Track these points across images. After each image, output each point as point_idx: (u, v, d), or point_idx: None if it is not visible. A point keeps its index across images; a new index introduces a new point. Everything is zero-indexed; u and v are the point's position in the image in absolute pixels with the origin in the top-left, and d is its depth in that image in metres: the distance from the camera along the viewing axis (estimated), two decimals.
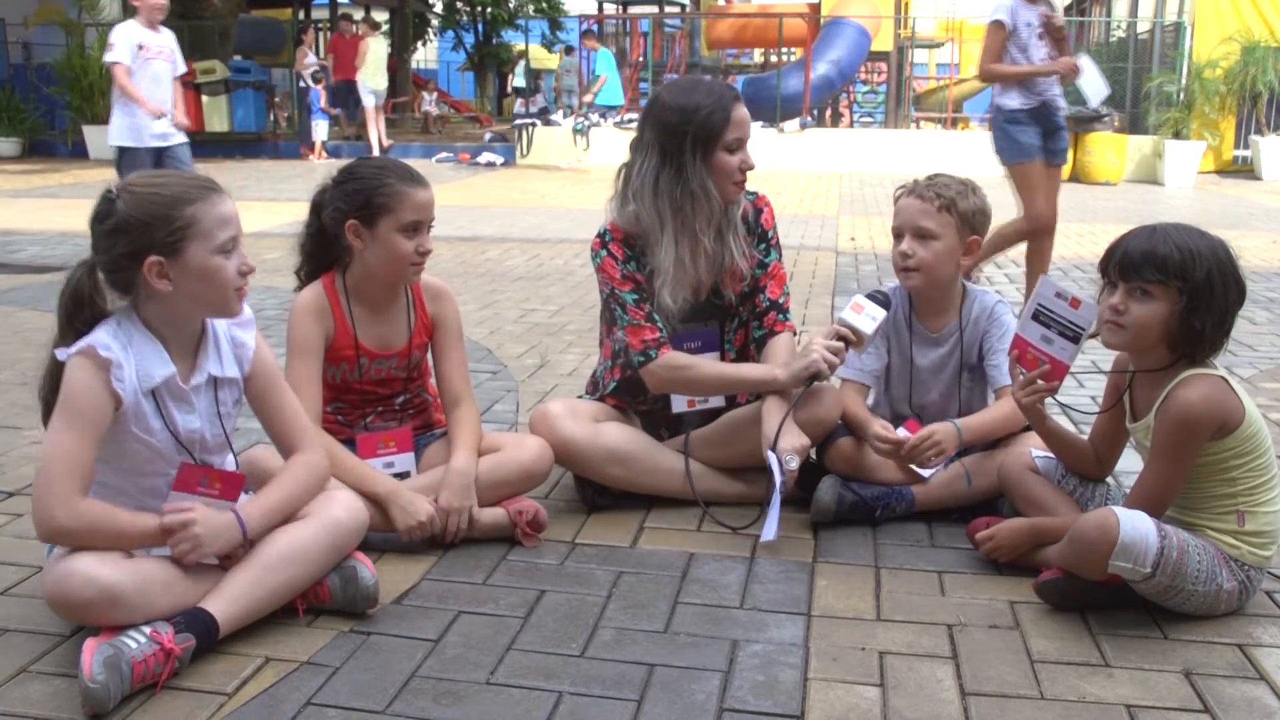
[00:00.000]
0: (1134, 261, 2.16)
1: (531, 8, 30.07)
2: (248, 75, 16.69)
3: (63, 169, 14.22)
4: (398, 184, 2.52)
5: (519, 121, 16.41)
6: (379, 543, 2.49)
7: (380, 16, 22.04)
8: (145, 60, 6.85)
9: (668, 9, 24.06)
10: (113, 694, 1.83)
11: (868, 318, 2.64)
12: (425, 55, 34.40)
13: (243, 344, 2.21)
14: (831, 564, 2.50)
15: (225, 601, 2.04)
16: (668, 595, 2.33)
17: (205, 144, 16.61)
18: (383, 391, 2.70)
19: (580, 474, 2.78)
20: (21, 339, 4.67)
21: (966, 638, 2.15)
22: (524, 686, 1.95)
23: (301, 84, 16.33)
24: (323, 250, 2.63)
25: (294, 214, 9.15)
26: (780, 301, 2.84)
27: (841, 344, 2.64)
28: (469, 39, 30.64)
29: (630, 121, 16.09)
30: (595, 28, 18.67)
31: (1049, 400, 2.39)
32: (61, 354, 2.02)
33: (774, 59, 20.41)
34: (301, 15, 22.32)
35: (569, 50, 19.05)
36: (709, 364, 2.76)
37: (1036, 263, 5.47)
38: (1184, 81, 14.04)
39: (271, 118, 17.69)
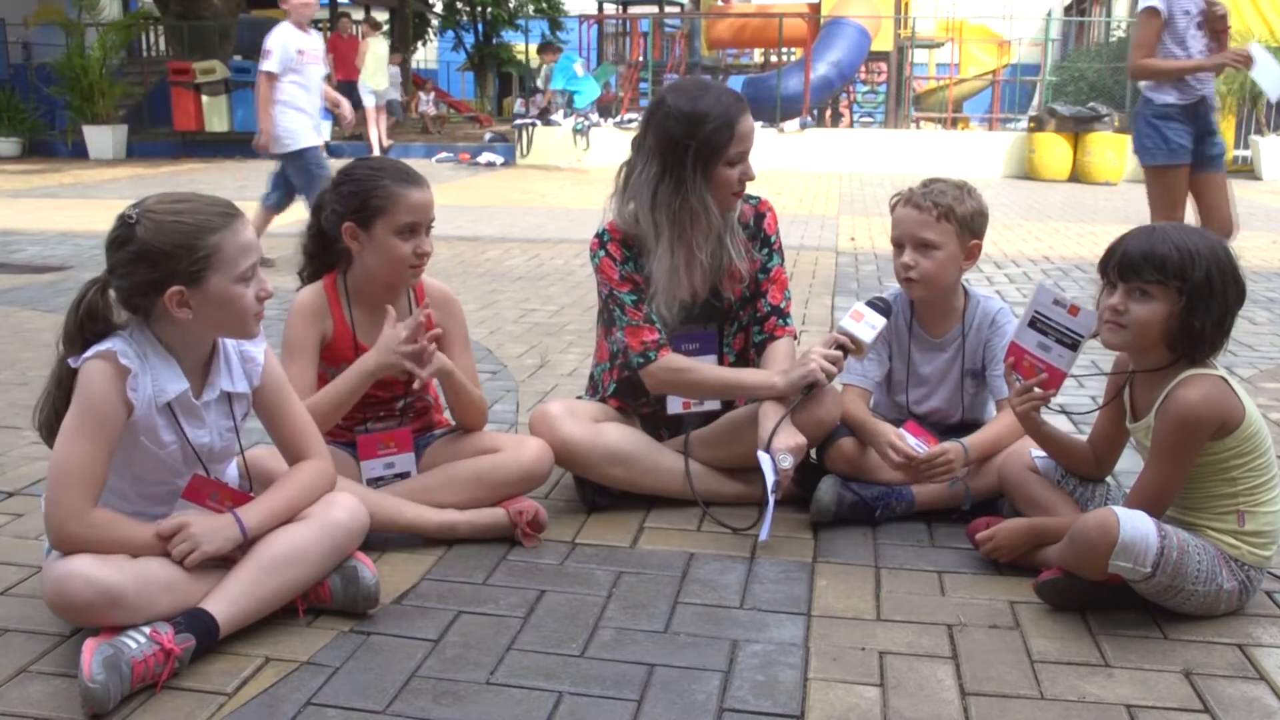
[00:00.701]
0: (1133, 262, 2.16)
1: (531, 8, 30.07)
2: (248, 75, 16.67)
3: (63, 169, 14.22)
4: (393, 185, 2.50)
5: (519, 122, 16.41)
6: (380, 542, 2.49)
7: (380, 17, 22.05)
8: (303, 65, 6.70)
9: (668, 9, 24.04)
10: (113, 694, 1.83)
11: (867, 326, 2.64)
12: (425, 55, 34.38)
13: (252, 358, 2.21)
14: (831, 564, 2.50)
15: (225, 602, 2.03)
16: (668, 595, 2.33)
17: (205, 144, 16.66)
18: (382, 394, 2.69)
19: (580, 474, 2.78)
20: (21, 339, 4.67)
21: (966, 638, 2.15)
22: (524, 686, 1.95)
23: None
24: (324, 251, 2.63)
25: (294, 214, 9.16)
26: (781, 307, 2.84)
27: (840, 353, 2.64)
28: (469, 39, 30.64)
29: (630, 121, 16.09)
30: (553, 37, 18.70)
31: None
32: (74, 361, 2.01)
33: (774, 59, 20.41)
34: None
35: (542, 50, 19.10)
36: (708, 368, 2.76)
37: None
38: None
39: None
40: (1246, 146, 14.70)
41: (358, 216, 2.51)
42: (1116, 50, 17.67)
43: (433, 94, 20.75)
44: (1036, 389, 2.36)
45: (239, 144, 16.59)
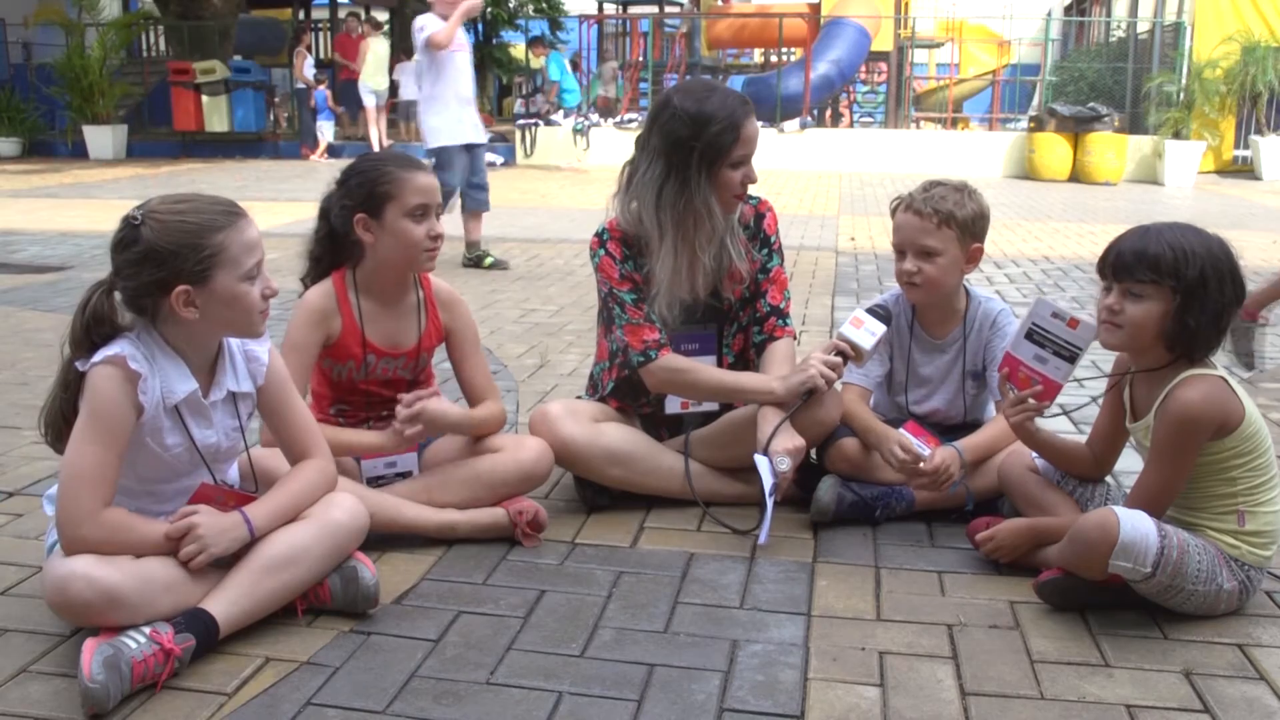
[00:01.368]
0: (1126, 262, 2.17)
1: (531, 8, 30.07)
2: (248, 75, 16.69)
3: (63, 169, 14.22)
4: (398, 170, 2.52)
5: (521, 122, 16.41)
6: (380, 542, 2.49)
7: (380, 17, 22.04)
8: (451, 53, 6.57)
9: (668, 9, 24.04)
10: (112, 694, 1.83)
11: (867, 333, 2.64)
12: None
13: (257, 358, 2.21)
14: (831, 564, 2.50)
15: (226, 602, 2.04)
16: (668, 595, 2.33)
17: (205, 144, 16.67)
18: (387, 393, 2.69)
19: (580, 474, 2.78)
20: (21, 339, 4.67)
21: (966, 638, 2.15)
22: (524, 686, 1.95)
23: (299, 85, 16.32)
24: (333, 255, 2.62)
25: (294, 214, 9.18)
26: (781, 307, 2.84)
27: (840, 359, 2.64)
28: (469, 39, 30.62)
29: (630, 121, 16.09)
30: (545, 34, 18.71)
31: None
32: (83, 364, 2.01)
33: (774, 59, 20.40)
34: (301, 15, 22.33)
35: (532, 44, 19.10)
36: (708, 369, 2.75)
37: None
38: (1184, 81, 14.05)
39: (271, 118, 17.69)
40: (1246, 146, 14.70)
41: (367, 206, 2.52)
42: (1116, 50, 17.68)
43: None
44: (1030, 400, 2.36)
45: (239, 144, 16.64)
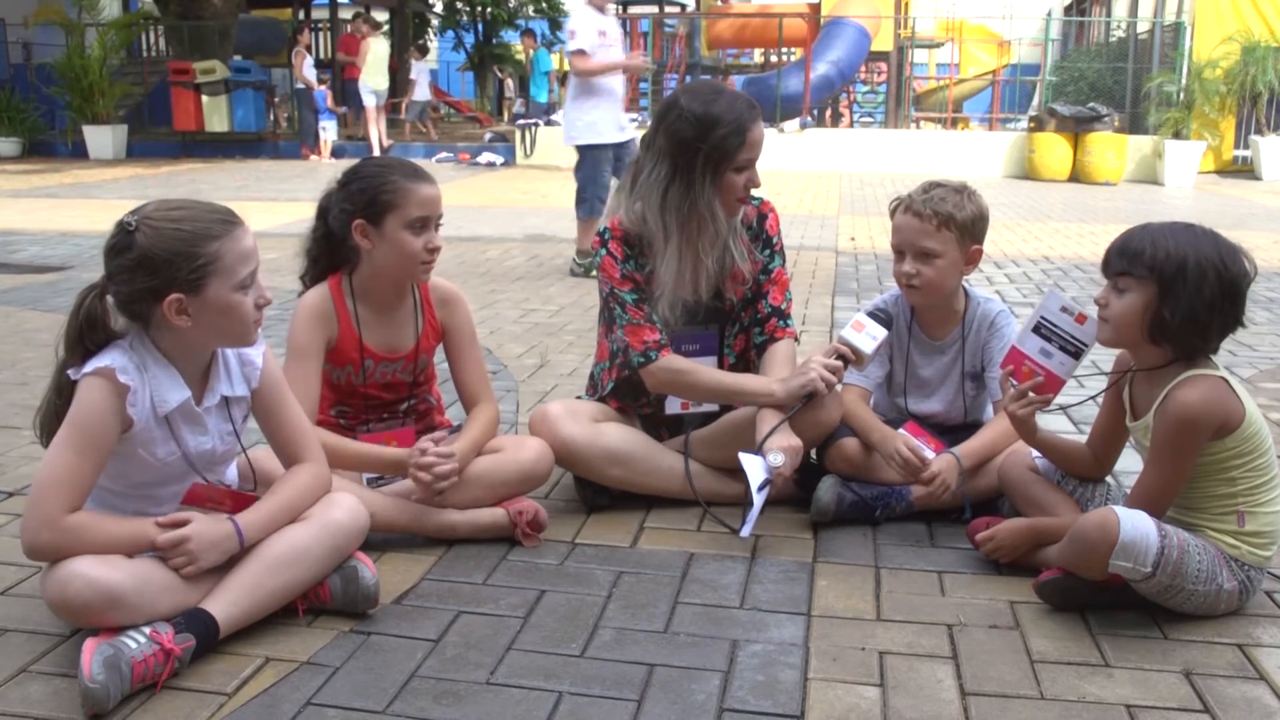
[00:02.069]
0: (1111, 256, 2.22)
1: (531, 8, 30.08)
2: (248, 75, 16.70)
3: (63, 169, 14.22)
4: (402, 180, 2.49)
5: (521, 122, 16.41)
6: (380, 542, 2.49)
7: (380, 17, 22.04)
8: (605, 47, 6.26)
9: (668, 9, 24.04)
10: (112, 694, 1.83)
11: (868, 336, 2.64)
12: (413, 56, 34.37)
13: (250, 361, 2.20)
14: (831, 564, 2.50)
15: (226, 602, 2.03)
16: (668, 595, 2.33)
17: (205, 144, 16.67)
18: (387, 397, 2.69)
19: (580, 474, 2.78)
20: (21, 339, 4.67)
21: (966, 638, 2.15)
22: (524, 686, 1.95)
23: (299, 85, 16.33)
24: (329, 255, 2.60)
25: (294, 214, 9.18)
26: (782, 308, 2.83)
27: (840, 363, 2.64)
28: (469, 39, 30.64)
29: (631, 121, 16.07)
30: (531, 26, 18.69)
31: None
32: (74, 373, 2.00)
33: (774, 59, 20.40)
34: (301, 15, 22.33)
35: (525, 35, 19.11)
36: (708, 371, 2.75)
37: None
38: (1184, 81, 14.05)
39: (271, 118, 17.69)
40: (1246, 146, 14.70)
41: (367, 213, 2.49)
42: (1116, 50, 17.68)
43: (408, 95, 20.66)
44: (1031, 394, 2.36)
45: (239, 144, 16.65)
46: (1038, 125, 14.45)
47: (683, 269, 2.67)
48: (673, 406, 2.83)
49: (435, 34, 31.86)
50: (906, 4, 19.35)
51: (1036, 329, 2.38)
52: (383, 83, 15.83)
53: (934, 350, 2.85)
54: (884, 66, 19.29)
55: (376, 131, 15.66)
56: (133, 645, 1.89)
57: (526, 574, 2.42)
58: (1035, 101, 19.16)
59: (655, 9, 23.32)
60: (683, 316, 2.73)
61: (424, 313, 2.67)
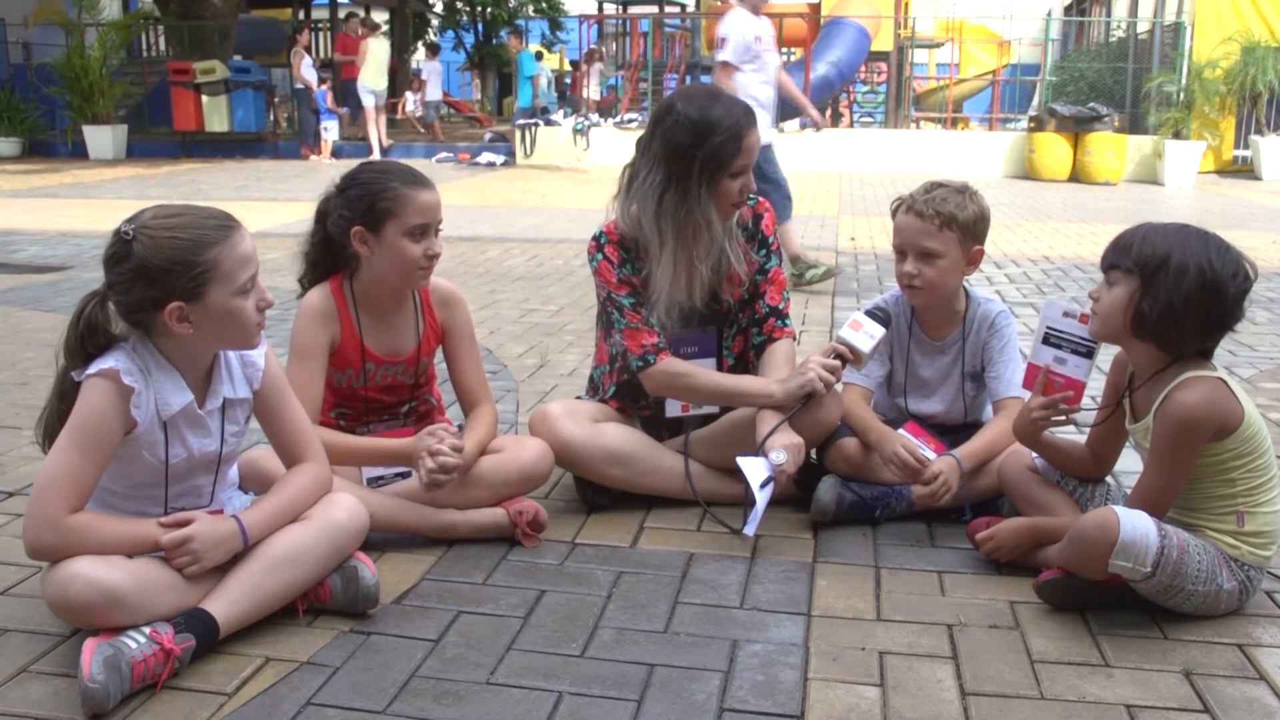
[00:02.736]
0: (1106, 250, 2.25)
1: (531, 8, 30.09)
2: (248, 75, 16.70)
3: (63, 169, 14.22)
4: (401, 187, 2.48)
5: (521, 122, 16.41)
6: (380, 542, 2.49)
7: (380, 17, 22.04)
8: (761, 52, 5.92)
9: (668, 9, 24.04)
10: (112, 694, 1.83)
11: (866, 335, 2.64)
12: (425, 55, 34.41)
13: (252, 362, 2.20)
14: (831, 564, 2.50)
15: (226, 602, 2.04)
16: (668, 595, 2.33)
17: (205, 144, 16.67)
18: (388, 399, 2.68)
19: (580, 474, 2.78)
20: (21, 339, 4.67)
21: (966, 638, 2.15)
22: (524, 686, 1.95)
23: (298, 85, 16.33)
24: (328, 258, 2.60)
25: (294, 214, 9.18)
26: (780, 308, 2.83)
27: (839, 362, 2.64)
28: (469, 39, 30.65)
29: (630, 121, 16.08)
30: (520, 24, 18.65)
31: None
32: (78, 374, 2.00)
33: None
34: (301, 15, 22.33)
35: (538, 55, 19.12)
36: (707, 373, 2.75)
37: None
38: (1184, 81, 14.05)
39: (271, 118, 17.70)
40: (1246, 146, 14.70)
41: (366, 220, 2.48)
42: (1116, 50, 17.67)
43: (420, 94, 20.69)
44: (1062, 404, 2.36)
45: (239, 144, 16.65)
46: (1038, 125, 14.45)
47: (677, 275, 2.66)
48: (673, 409, 2.83)
49: (435, 34, 31.87)
50: (906, 4, 19.34)
51: (1046, 340, 2.39)
52: (382, 83, 15.83)
53: (934, 350, 2.85)
54: (884, 66, 19.28)
55: (376, 131, 15.66)
56: (133, 645, 1.89)
57: (526, 574, 2.42)
58: (1035, 101, 19.16)
59: (655, 9, 23.32)
60: (679, 320, 2.73)
61: (424, 314, 2.67)
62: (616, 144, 14.97)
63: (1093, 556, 2.12)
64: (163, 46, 18.98)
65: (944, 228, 2.67)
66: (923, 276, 2.70)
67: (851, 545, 2.60)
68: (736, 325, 2.84)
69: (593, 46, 19.42)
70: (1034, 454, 2.56)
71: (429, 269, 2.55)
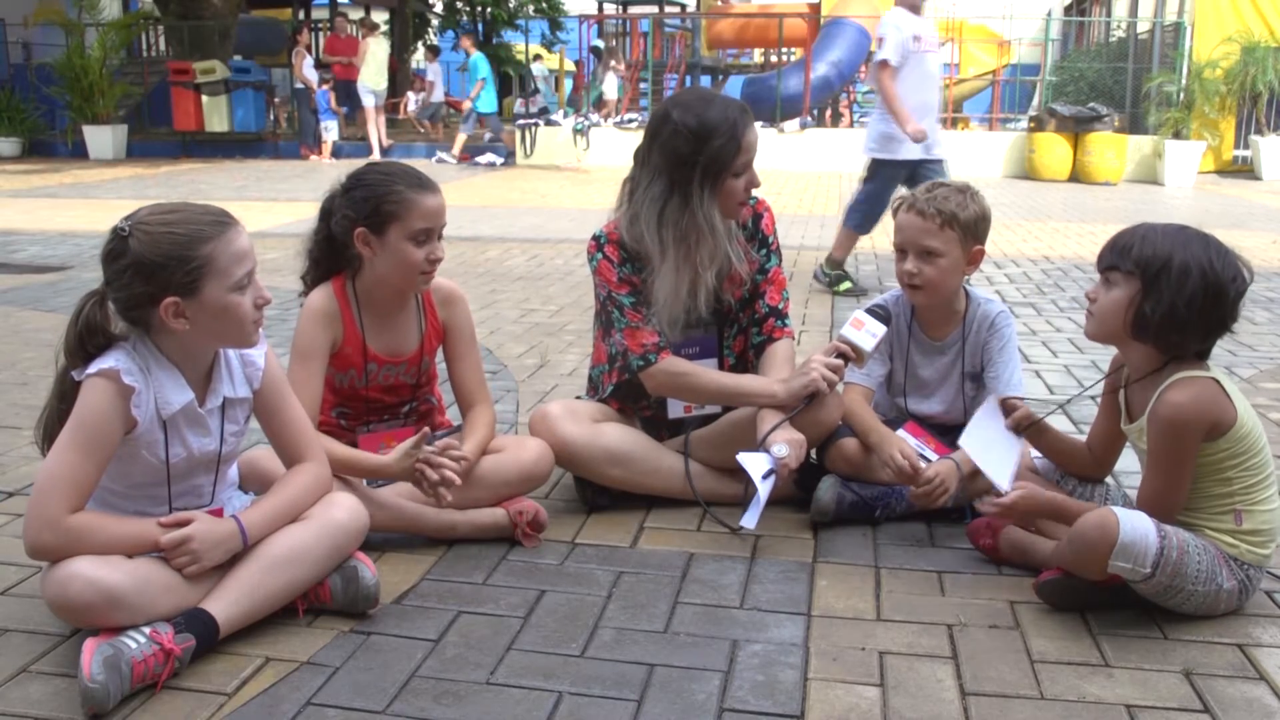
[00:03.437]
0: (1103, 251, 2.24)
1: (531, 8, 30.09)
2: (248, 75, 16.70)
3: (63, 169, 14.22)
4: (406, 191, 2.47)
5: (521, 122, 16.42)
6: (380, 542, 2.49)
7: (380, 17, 22.05)
8: (919, 54, 5.64)
9: (668, 9, 24.04)
10: (113, 694, 1.83)
11: (868, 334, 2.64)
12: (425, 55, 34.41)
13: (252, 362, 2.20)
14: (831, 564, 2.50)
15: (226, 602, 2.04)
16: (668, 595, 2.33)
17: (205, 144, 16.67)
18: (389, 399, 2.68)
19: (580, 475, 2.78)
20: (21, 339, 4.67)
21: (966, 638, 2.15)
22: (524, 686, 1.95)
23: (298, 85, 16.33)
24: (331, 257, 2.60)
25: (294, 214, 9.18)
26: (780, 308, 2.83)
27: (841, 361, 2.64)
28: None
29: (630, 121, 16.08)
30: (469, 27, 18.58)
31: (1046, 402, 2.40)
32: (78, 373, 2.00)
33: (774, 59, 20.40)
34: (301, 15, 22.34)
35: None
36: (709, 373, 2.75)
37: None
38: (1184, 81, 14.05)
39: (271, 118, 17.70)
40: (1246, 146, 14.70)
41: (370, 222, 2.47)
42: (1116, 50, 17.67)
43: (422, 94, 20.67)
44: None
45: (239, 144, 16.65)
46: (1038, 125, 14.45)
47: (680, 285, 2.64)
48: (675, 410, 2.82)
49: (435, 34, 31.88)
50: None
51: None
52: (382, 83, 15.85)
53: (934, 350, 2.85)
54: None
55: (375, 130, 15.66)
56: (133, 645, 1.89)
57: (526, 574, 2.42)
58: (1035, 101, 19.16)
59: (655, 9, 23.32)
60: (681, 329, 2.72)
61: (426, 314, 2.67)
62: (616, 144, 14.98)
63: (1092, 557, 2.12)
64: (163, 46, 18.99)
65: (945, 226, 2.67)
66: (923, 275, 2.70)
67: (851, 545, 2.60)
68: (737, 325, 2.84)
69: (610, 46, 19.38)
70: (1034, 454, 2.56)
71: (431, 273, 2.54)
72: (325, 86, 16.09)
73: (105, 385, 1.97)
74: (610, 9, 24.52)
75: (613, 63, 18.46)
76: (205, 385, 2.13)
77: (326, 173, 2.50)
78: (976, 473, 2.67)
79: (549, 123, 16.17)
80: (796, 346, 2.87)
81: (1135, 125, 14.96)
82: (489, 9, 29.12)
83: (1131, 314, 2.16)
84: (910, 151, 5.70)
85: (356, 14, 21.74)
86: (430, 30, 30.59)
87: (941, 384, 2.85)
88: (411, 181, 2.50)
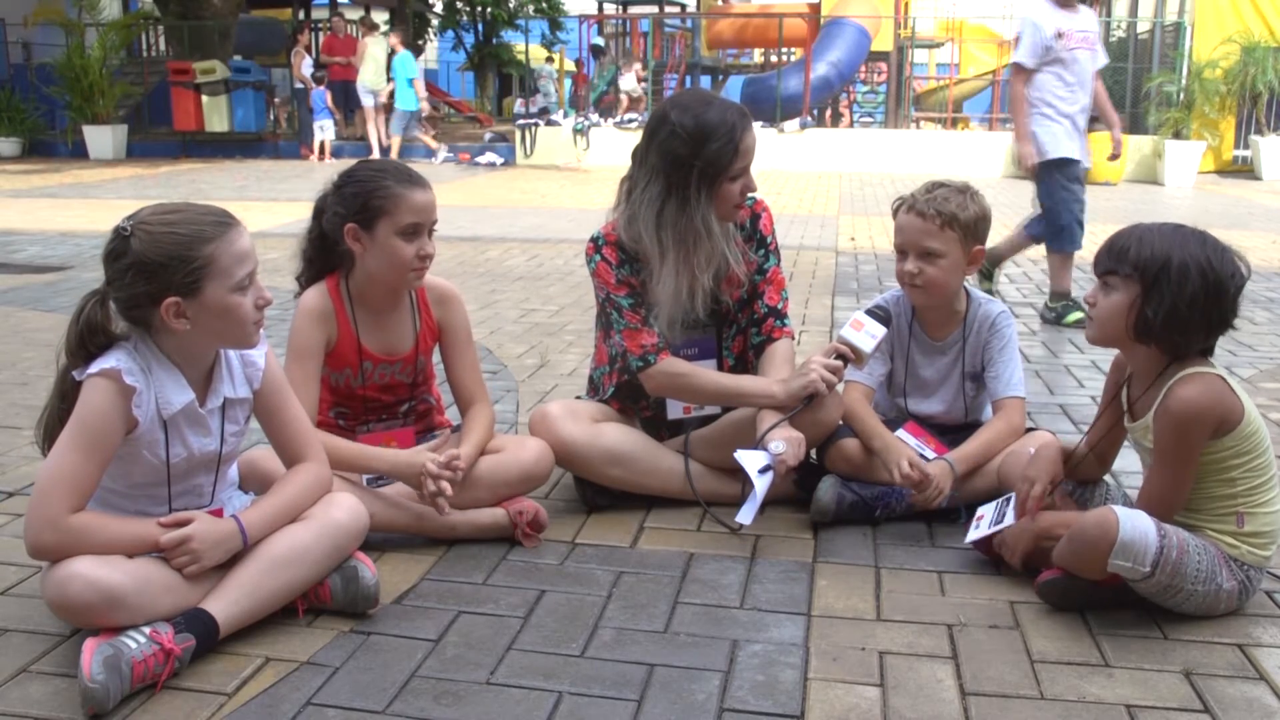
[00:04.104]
0: (1099, 255, 2.24)
1: (531, 8, 30.11)
2: (248, 75, 16.70)
3: (63, 169, 14.23)
4: (395, 186, 2.48)
5: (521, 122, 16.41)
6: (380, 542, 2.49)
7: (380, 16, 22.03)
8: (1066, 54, 5.04)
9: (668, 9, 24.04)
10: (112, 694, 1.83)
11: (867, 335, 2.64)
12: (425, 55, 34.41)
13: (253, 362, 2.20)
14: (831, 564, 2.50)
15: (226, 602, 2.04)
16: (668, 595, 2.33)
17: (205, 144, 16.67)
18: (386, 399, 2.68)
19: (580, 475, 2.77)
20: (21, 339, 4.67)
21: (966, 638, 2.15)
22: (524, 686, 1.95)
23: (298, 85, 16.32)
24: (324, 256, 2.60)
25: (294, 214, 9.18)
26: (779, 308, 2.83)
27: (841, 362, 2.64)
28: (469, 39, 30.66)
29: (630, 121, 16.08)
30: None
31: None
32: (79, 373, 2.00)
33: (774, 59, 20.40)
34: (301, 15, 22.34)
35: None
36: (708, 373, 2.75)
37: None
38: (1184, 81, 14.06)
39: (271, 118, 17.70)
40: (1246, 146, 14.69)
41: (360, 218, 2.48)
42: (1116, 50, 17.67)
43: (426, 94, 20.67)
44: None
45: (239, 144, 16.65)
46: None
47: (679, 287, 2.64)
48: (675, 411, 2.82)
49: (435, 34, 31.88)
50: (906, 4, 19.36)
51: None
52: (381, 83, 15.82)
53: (934, 351, 2.85)
54: (884, 66, 19.30)
55: (375, 130, 15.65)
56: (133, 645, 1.89)
57: (526, 574, 2.42)
58: None
59: (655, 9, 23.33)
60: (681, 329, 2.72)
61: (421, 313, 2.67)
62: (616, 144, 14.97)
63: (1092, 556, 2.12)
64: (163, 46, 18.99)
65: (945, 227, 2.67)
66: (924, 276, 2.70)
67: (851, 545, 2.60)
68: (736, 326, 2.84)
69: (604, 46, 19.36)
70: (1033, 453, 2.55)
71: (422, 270, 2.54)
72: (320, 86, 16.08)
73: (106, 385, 1.97)
74: (610, 9, 24.52)
75: (621, 61, 18.44)
76: (206, 385, 2.13)
77: (324, 173, 2.51)
78: (971, 473, 2.67)
79: (549, 123, 16.16)
80: (796, 346, 2.86)
81: (1135, 125, 14.95)
82: (489, 9, 29.13)
83: (1133, 317, 2.16)
84: (1060, 147, 5.07)
85: (356, 14, 21.71)
86: (430, 30, 30.59)
87: (942, 384, 2.85)
88: (401, 177, 2.50)
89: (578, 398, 2.98)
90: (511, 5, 29.87)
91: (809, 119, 16.21)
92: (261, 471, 2.39)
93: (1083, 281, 6.32)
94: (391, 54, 15.25)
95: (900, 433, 2.73)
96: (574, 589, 2.35)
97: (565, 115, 16.81)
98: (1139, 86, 15.19)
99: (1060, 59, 5.05)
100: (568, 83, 20.97)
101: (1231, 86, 13.76)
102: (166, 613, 1.97)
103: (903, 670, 2.02)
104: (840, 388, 2.73)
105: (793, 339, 2.85)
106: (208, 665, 1.99)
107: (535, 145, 15.71)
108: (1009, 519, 2.37)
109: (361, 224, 2.48)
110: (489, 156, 15.85)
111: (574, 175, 14.02)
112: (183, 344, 2.06)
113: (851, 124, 20.12)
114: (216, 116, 16.41)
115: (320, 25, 22.69)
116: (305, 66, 16.26)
